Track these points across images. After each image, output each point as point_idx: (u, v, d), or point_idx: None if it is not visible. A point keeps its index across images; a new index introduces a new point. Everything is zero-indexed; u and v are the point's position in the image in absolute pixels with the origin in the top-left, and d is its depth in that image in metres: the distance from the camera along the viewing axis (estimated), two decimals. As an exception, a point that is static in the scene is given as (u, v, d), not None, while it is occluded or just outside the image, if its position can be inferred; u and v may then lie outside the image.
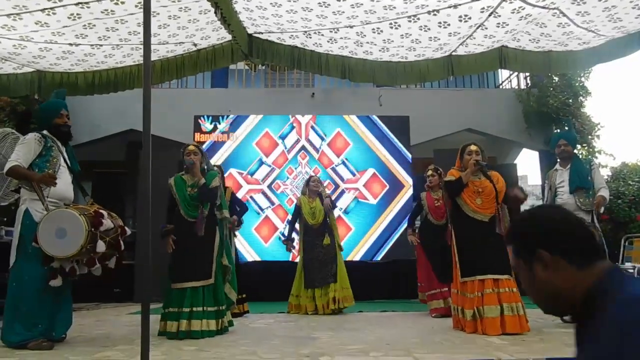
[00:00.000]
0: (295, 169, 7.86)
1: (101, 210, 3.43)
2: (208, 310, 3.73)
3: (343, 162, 7.83)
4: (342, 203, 7.62)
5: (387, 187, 7.68)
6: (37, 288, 3.27)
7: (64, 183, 3.53)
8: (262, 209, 7.67)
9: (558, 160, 4.60)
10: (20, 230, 3.37)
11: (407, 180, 7.69)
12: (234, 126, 7.82)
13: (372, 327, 4.16)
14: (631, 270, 6.03)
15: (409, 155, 7.80)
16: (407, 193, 7.63)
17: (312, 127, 7.94)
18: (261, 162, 7.82)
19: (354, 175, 7.76)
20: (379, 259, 7.42)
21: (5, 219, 5.47)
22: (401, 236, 7.26)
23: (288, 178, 7.84)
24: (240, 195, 7.28)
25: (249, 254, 7.42)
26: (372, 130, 7.88)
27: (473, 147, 4.07)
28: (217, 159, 7.48)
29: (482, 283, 3.72)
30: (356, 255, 7.42)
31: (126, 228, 3.60)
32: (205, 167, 4.17)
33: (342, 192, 7.70)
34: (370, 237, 7.53)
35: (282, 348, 3.12)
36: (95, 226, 3.27)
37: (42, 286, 3.28)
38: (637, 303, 0.91)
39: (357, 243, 7.48)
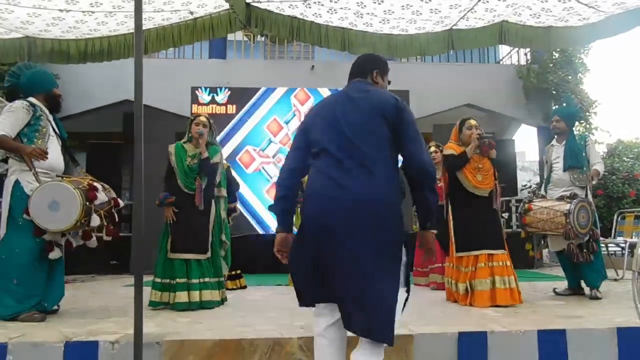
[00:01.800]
0: None
1: (95, 183, 3.36)
2: (212, 282, 3.81)
3: None
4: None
5: None
6: (30, 260, 3.21)
7: (55, 153, 3.41)
8: (271, 177, 7.41)
9: (555, 135, 4.60)
10: (10, 201, 3.27)
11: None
12: (232, 99, 7.68)
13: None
14: (623, 245, 6.14)
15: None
16: None
17: None
18: (270, 141, 7.50)
19: None
20: None
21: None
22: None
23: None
24: (253, 167, 7.19)
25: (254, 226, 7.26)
26: None
27: (473, 122, 4.07)
28: (227, 133, 7.32)
29: (476, 258, 3.79)
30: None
31: (119, 200, 3.55)
32: (211, 140, 4.10)
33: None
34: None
35: (278, 320, 3.13)
36: (90, 200, 3.21)
37: (36, 258, 3.22)
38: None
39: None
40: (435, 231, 2.26)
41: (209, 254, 3.86)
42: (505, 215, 6.90)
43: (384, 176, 1.98)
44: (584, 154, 4.28)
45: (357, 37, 4.95)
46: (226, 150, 7.20)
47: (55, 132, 3.52)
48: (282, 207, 2.20)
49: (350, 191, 1.93)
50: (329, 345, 1.99)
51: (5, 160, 3.49)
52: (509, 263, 3.79)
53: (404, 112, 2.10)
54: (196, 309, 3.61)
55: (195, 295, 3.66)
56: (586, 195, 4.17)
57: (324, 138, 2.09)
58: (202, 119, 4.05)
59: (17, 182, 3.29)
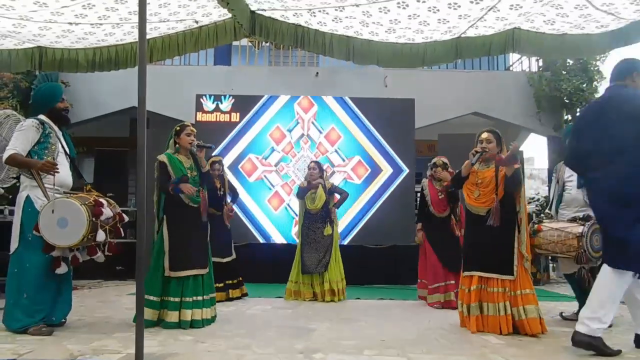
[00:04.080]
0: (298, 152, 7.40)
1: (100, 199, 3.43)
2: (206, 299, 3.70)
3: (335, 151, 7.42)
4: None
5: (369, 171, 7.35)
6: (39, 275, 3.31)
7: (64, 169, 3.51)
8: (273, 185, 7.22)
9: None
10: (22, 217, 3.37)
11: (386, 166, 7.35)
12: (236, 107, 7.66)
13: (368, 319, 4.15)
14: None
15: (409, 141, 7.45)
16: (384, 178, 7.32)
17: (313, 123, 7.41)
18: (273, 150, 7.29)
19: (343, 161, 7.38)
20: (345, 242, 7.00)
21: (10, 197, 5.49)
22: (401, 221, 7.20)
23: (291, 160, 7.39)
24: (255, 175, 7.13)
25: (254, 232, 7.15)
26: (373, 113, 7.47)
27: (483, 136, 3.84)
28: (229, 141, 7.21)
29: (471, 279, 3.67)
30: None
31: (124, 215, 3.60)
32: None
33: (332, 174, 7.26)
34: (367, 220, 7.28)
35: (277, 341, 3.11)
36: (96, 216, 3.28)
37: (44, 273, 3.31)
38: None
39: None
40: None
41: (208, 268, 3.78)
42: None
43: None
44: None
45: (362, 46, 4.91)
46: (229, 159, 7.09)
47: (64, 149, 3.61)
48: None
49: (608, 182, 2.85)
50: None
51: (18, 177, 3.59)
52: (501, 289, 3.54)
53: None
54: (186, 328, 3.51)
55: (187, 315, 3.55)
56: None
57: (589, 140, 2.99)
58: (193, 129, 3.91)
59: (27, 198, 3.39)
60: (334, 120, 7.38)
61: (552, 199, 4.41)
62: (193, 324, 3.57)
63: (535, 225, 4.02)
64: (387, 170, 7.38)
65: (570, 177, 4.19)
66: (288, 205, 7.14)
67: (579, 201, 4.07)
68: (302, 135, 7.31)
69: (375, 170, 7.35)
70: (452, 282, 4.79)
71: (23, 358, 2.58)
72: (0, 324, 3.37)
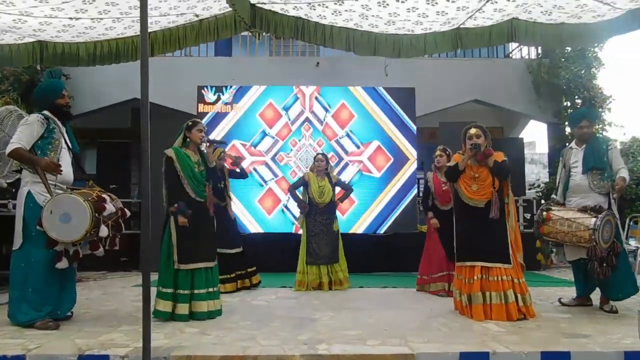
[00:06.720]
0: (299, 140, 7.35)
1: (103, 195, 3.46)
2: (214, 291, 3.78)
3: (347, 135, 7.39)
4: (345, 176, 7.38)
5: (392, 160, 7.39)
6: (45, 270, 3.35)
7: (66, 165, 3.52)
8: (265, 181, 7.21)
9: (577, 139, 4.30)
10: (24, 213, 3.39)
11: (412, 153, 7.42)
12: (237, 97, 7.69)
13: (372, 307, 4.21)
14: (634, 249, 5.95)
15: (413, 128, 7.57)
16: (411, 166, 7.41)
17: (316, 98, 7.41)
18: (264, 134, 7.17)
19: (358, 147, 7.38)
20: (381, 232, 7.37)
21: (13, 190, 5.54)
22: (404, 210, 7.29)
23: (292, 150, 7.40)
24: (244, 166, 6.81)
25: (252, 226, 7.34)
26: (377, 101, 7.63)
27: (472, 131, 3.92)
28: (220, 130, 7.35)
29: (472, 269, 3.74)
30: (359, 228, 7.36)
31: (126, 210, 3.64)
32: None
33: (346, 165, 7.48)
34: (374, 211, 7.40)
35: (282, 332, 3.17)
36: (99, 211, 3.31)
37: (49, 268, 3.34)
38: None
39: (360, 216, 7.39)
40: None
41: (216, 261, 3.86)
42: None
43: None
44: (605, 158, 4.02)
45: (362, 38, 4.93)
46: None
47: (67, 145, 3.63)
48: None
49: None
50: None
51: (20, 171, 3.61)
52: (505, 277, 3.64)
53: None
54: (204, 319, 3.58)
55: (203, 306, 3.63)
56: (609, 204, 3.93)
57: None
58: (203, 126, 4.00)
59: (29, 194, 3.41)
60: (337, 112, 7.52)
61: (558, 184, 4.34)
62: (194, 316, 3.61)
63: (544, 213, 3.97)
64: (389, 159, 7.54)
65: (575, 162, 4.11)
66: (285, 206, 7.11)
67: (583, 187, 4.02)
68: (302, 113, 7.40)
69: (381, 160, 7.58)
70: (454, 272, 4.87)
71: (32, 353, 2.62)
72: (5, 317, 3.42)
